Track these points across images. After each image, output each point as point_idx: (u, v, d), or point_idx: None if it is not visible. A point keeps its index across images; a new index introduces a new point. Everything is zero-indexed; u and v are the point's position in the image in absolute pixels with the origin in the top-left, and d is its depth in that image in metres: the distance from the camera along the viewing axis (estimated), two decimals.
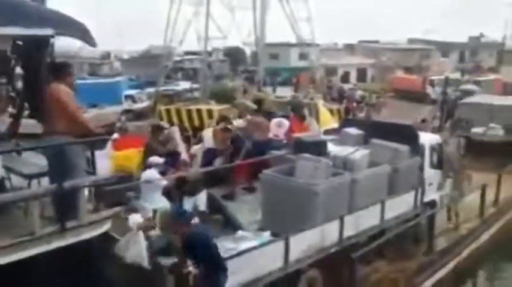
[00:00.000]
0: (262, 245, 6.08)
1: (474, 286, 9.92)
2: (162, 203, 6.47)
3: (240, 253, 5.64)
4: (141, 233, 5.39)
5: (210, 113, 16.97)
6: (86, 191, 4.60)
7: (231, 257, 5.42)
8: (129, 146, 8.68)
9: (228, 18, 23.68)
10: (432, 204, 9.40)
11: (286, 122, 10.57)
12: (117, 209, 4.74)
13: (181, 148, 9.13)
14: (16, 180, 4.97)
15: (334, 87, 31.55)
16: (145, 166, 7.40)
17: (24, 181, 4.82)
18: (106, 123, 21.42)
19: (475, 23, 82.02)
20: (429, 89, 32.10)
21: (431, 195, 9.30)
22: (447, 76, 28.95)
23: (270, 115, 11.45)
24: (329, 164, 7.17)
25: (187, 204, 6.74)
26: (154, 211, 6.20)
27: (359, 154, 7.66)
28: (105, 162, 7.39)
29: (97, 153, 7.80)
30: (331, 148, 8.03)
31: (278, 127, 10.17)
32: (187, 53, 34.35)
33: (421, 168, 8.86)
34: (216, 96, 22.36)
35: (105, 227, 4.53)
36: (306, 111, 13.23)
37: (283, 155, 8.24)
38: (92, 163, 4.78)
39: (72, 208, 4.46)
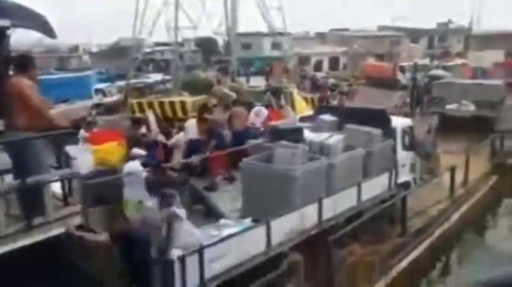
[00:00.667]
0: (244, 230, 6.25)
1: (448, 264, 10.21)
2: (144, 195, 6.49)
3: (223, 239, 5.82)
4: None
5: (183, 104, 16.76)
6: (55, 187, 4.47)
7: (216, 243, 5.61)
8: (107, 139, 8.57)
9: (199, 7, 23.37)
10: (406, 185, 9.76)
11: (264, 111, 10.71)
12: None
13: (160, 137, 9.04)
14: None
15: (307, 76, 31.71)
16: (128, 157, 7.47)
17: None
18: (76, 118, 20.99)
19: (443, 9, 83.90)
20: (400, 75, 32.71)
21: (404, 176, 9.67)
22: (416, 62, 29.56)
23: (249, 105, 11.50)
24: (306, 150, 7.44)
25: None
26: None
27: (334, 139, 7.97)
28: (86, 157, 7.47)
29: (76, 148, 7.85)
30: (307, 134, 8.25)
31: (256, 116, 10.32)
32: (158, 44, 33.79)
33: (394, 150, 9.21)
34: (189, 88, 22.11)
35: (74, 222, 4.41)
36: (282, 100, 13.43)
37: (261, 143, 8.44)
38: (58, 157, 4.64)
39: (38, 204, 4.31)
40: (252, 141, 8.81)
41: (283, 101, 13.29)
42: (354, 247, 7.94)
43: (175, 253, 5.26)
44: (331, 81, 30.23)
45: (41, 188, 4.21)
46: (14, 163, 4.45)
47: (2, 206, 4.10)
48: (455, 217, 10.82)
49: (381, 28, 53.35)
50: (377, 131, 8.68)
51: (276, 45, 41.63)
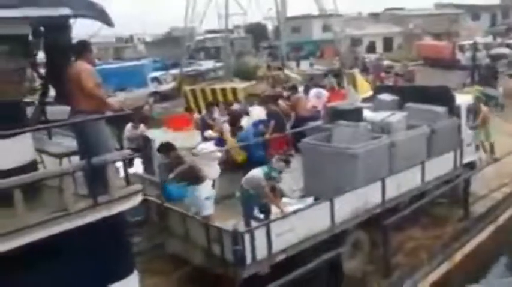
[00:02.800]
0: (309, 206, 6.35)
1: None
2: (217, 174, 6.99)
3: (290, 214, 5.98)
4: None
5: (234, 91, 16.87)
6: (117, 167, 4.65)
7: (282, 217, 5.85)
8: (182, 124, 9.02)
9: None
10: (472, 165, 9.39)
11: (324, 93, 10.93)
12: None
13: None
14: (50, 163, 5.09)
15: (358, 58, 30.84)
16: (202, 138, 8.09)
17: (57, 162, 4.94)
18: (136, 106, 21.79)
19: None
20: (459, 55, 30.92)
21: (470, 156, 9.28)
22: (476, 41, 27.81)
23: (307, 88, 11.57)
24: (368, 128, 7.32)
25: None
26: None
27: (396, 117, 7.77)
28: (165, 138, 7.90)
29: (155, 131, 8.36)
30: (367, 114, 8.07)
31: (317, 98, 10.48)
32: (209, 31, 34.19)
33: (459, 129, 8.83)
34: (239, 74, 22.24)
35: (136, 200, 4.58)
36: (344, 81, 13.43)
37: (319, 125, 8.40)
38: (119, 139, 4.82)
39: (103, 183, 4.52)
40: (312, 123, 8.84)
41: (345, 83, 13.34)
42: (414, 231, 7.73)
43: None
44: (386, 62, 29.18)
45: (104, 168, 4.40)
46: (79, 144, 4.68)
47: (71, 185, 4.31)
48: None
49: (439, 6, 50.57)
50: (441, 109, 8.37)
51: (326, 28, 40.83)
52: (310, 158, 7.19)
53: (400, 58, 32.57)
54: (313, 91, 10.93)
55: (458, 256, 7.78)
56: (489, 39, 35.83)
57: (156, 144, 7.53)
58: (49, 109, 5.56)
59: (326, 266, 5.46)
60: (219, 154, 7.52)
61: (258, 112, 9.14)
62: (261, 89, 15.41)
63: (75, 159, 4.83)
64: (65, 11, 4.53)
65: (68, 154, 4.87)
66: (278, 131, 8.68)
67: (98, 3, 4.95)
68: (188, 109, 16.89)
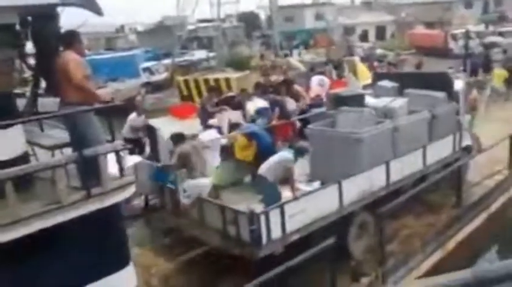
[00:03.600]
0: (319, 188, 6.57)
1: (505, 240, 9.75)
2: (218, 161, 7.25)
3: (301, 196, 6.22)
4: None
5: (227, 81, 16.80)
6: (109, 158, 4.61)
7: (295, 199, 6.10)
8: (186, 112, 9.35)
9: None
10: (468, 149, 9.57)
11: (326, 80, 10.98)
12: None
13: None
14: (42, 156, 5.04)
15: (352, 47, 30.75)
16: (204, 126, 8.21)
17: (49, 154, 4.89)
18: (128, 96, 21.64)
19: None
20: (452, 44, 30.96)
21: (467, 140, 9.51)
22: (468, 29, 27.86)
23: (307, 75, 11.61)
24: (372, 113, 7.51)
25: None
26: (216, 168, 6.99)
27: (398, 102, 7.96)
28: (170, 127, 8.14)
29: (159, 120, 8.81)
30: (369, 100, 8.27)
31: (320, 86, 10.51)
32: (201, 21, 33.84)
33: (458, 113, 9.07)
34: (232, 64, 22.13)
35: (129, 192, 4.55)
36: (345, 68, 13.52)
37: (323, 112, 8.57)
38: (111, 131, 4.76)
39: (96, 175, 4.48)
40: (315, 110, 8.98)
41: (346, 71, 13.47)
42: (408, 218, 7.79)
43: None
44: (379, 51, 29.16)
45: (97, 160, 4.35)
46: (71, 136, 4.63)
47: (63, 177, 4.27)
48: None
49: None
50: (441, 94, 8.57)
51: (319, 17, 40.67)
52: (316, 144, 7.23)
53: (393, 47, 32.59)
54: (316, 79, 10.94)
55: (451, 244, 7.86)
56: (481, 27, 35.87)
57: (161, 132, 7.86)
58: (40, 101, 5.49)
59: (333, 247, 5.62)
60: (223, 141, 7.65)
61: (257, 103, 9.13)
62: (254, 78, 15.36)
63: (68, 151, 4.79)
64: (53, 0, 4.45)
65: (60, 146, 4.82)
66: (283, 119, 8.73)
67: None
68: (184, 98, 16.82)
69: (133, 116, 10.29)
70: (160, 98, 21.49)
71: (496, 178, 10.14)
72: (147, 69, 25.00)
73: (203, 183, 6.68)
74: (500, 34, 31.34)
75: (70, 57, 4.51)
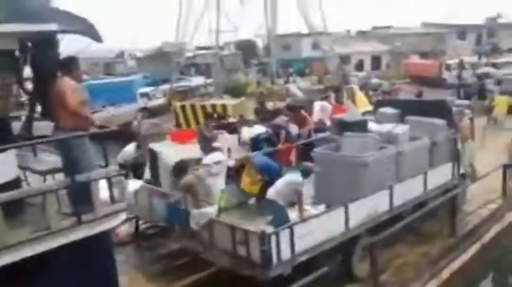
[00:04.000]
0: (326, 211, 6.71)
1: (500, 269, 9.67)
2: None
3: (309, 218, 6.40)
4: None
5: (224, 107, 16.91)
6: (101, 185, 4.60)
7: (305, 220, 6.27)
8: (187, 138, 9.44)
9: (239, 10, 23.61)
10: (464, 176, 9.73)
11: (328, 106, 11.22)
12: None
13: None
14: (34, 180, 5.03)
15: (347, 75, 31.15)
16: (204, 151, 8.20)
17: (41, 179, 4.89)
18: (124, 121, 21.71)
19: (492, 4, 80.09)
20: (446, 74, 31.46)
21: (462, 167, 9.67)
22: (461, 60, 28.41)
23: (310, 103, 11.83)
24: (376, 139, 7.72)
25: None
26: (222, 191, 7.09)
27: (400, 129, 8.24)
28: (171, 150, 8.47)
29: (160, 144, 8.98)
30: (371, 126, 8.53)
31: (322, 112, 10.79)
32: (200, 48, 34.34)
33: (456, 141, 9.30)
34: (230, 91, 22.33)
35: (120, 219, 4.54)
36: (344, 95, 13.74)
37: (327, 137, 8.79)
38: (105, 157, 4.78)
39: (88, 201, 4.47)
40: (320, 135, 9.20)
41: (345, 98, 13.70)
42: (401, 247, 7.74)
43: None
44: (375, 81, 29.55)
45: (89, 186, 4.35)
46: (63, 161, 4.64)
47: (54, 203, 4.26)
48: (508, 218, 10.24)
49: (425, 25, 51.55)
50: (441, 122, 8.85)
51: (315, 46, 41.33)
52: (321, 167, 7.36)
53: (388, 76, 33.05)
54: (318, 104, 11.18)
55: (445, 274, 7.78)
56: (475, 58, 36.56)
57: (163, 155, 7.96)
58: (35, 124, 5.53)
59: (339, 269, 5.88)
60: (231, 163, 7.81)
61: (256, 129, 9.35)
62: (251, 105, 15.53)
63: (60, 176, 4.79)
64: (52, 26, 4.53)
65: (52, 171, 4.83)
66: (287, 142, 8.87)
67: (86, 18, 4.96)
68: (178, 125, 16.88)
69: (132, 148, 10.25)
70: (157, 123, 21.58)
71: (490, 207, 10.15)
72: (145, 95, 25.20)
73: (210, 212, 6.74)
74: (494, 65, 31.94)
75: (67, 84, 4.58)
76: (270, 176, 7.30)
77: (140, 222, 8.96)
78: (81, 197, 4.37)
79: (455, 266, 8.11)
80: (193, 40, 24.56)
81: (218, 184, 7.40)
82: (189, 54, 30.71)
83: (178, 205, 7.07)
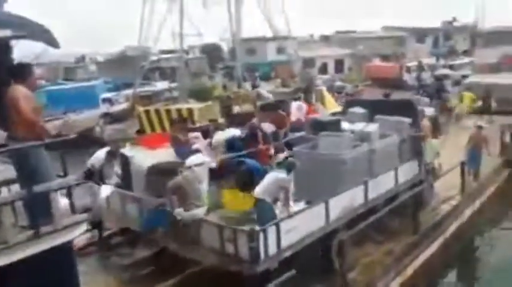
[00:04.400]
0: (307, 208, 6.96)
1: (463, 263, 10.02)
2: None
3: (295, 213, 6.68)
4: None
5: (190, 112, 16.73)
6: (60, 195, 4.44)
7: (289, 216, 6.56)
8: (158, 142, 9.36)
9: (203, 14, 23.50)
10: (429, 171, 10.24)
11: (304, 105, 11.61)
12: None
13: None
14: None
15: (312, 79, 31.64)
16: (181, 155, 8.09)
17: None
18: (86, 128, 21.10)
19: (447, 7, 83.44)
20: (406, 76, 32.47)
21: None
22: (420, 62, 29.46)
23: (282, 103, 12.02)
24: (351, 137, 8.20)
25: None
26: None
27: (372, 127, 8.72)
28: (143, 156, 8.44)
29: (132, 149, 8.88)
30: (344, 125, 8.98)
31: (299, 111, 11.24)
32: (164, 52, 33.91)
33: (421, 138, 9.81)
34: (195, 95, 22.16)
35: (82, 229, 4.38)
36: (313, 97, 14.17)
37: (303, 136, 9.18)
38: (64, 166, 4.62)
39: (46, 213, 4.30)
40: (298, 134, 9.51)
41: (314, 99, 14.18)
42: (368, 246, 7.88)
43: None
44: (338, 83, 30.10)
45: (47, 197, 4.18)
46: (18, 172, 4.44)
47: (10, 216, 4.07)
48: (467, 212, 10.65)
49: (386, 29, 53.08)
50: (407, 120, 9.32)
51: (280, 50, 41.75)
52: (301, 165, 7.50)
53: (351, 79, 33.77)
54: (295, 105, 11.52)
55: (409, 270, 7.99)
56: (433, 60, 37.93)
57: (135, 160, 7.98)
58: None
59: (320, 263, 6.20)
60: (213, 164, 7.88)
61: (229, 132, 9.39)
62: (217, 109, 15.50)
63: (16, 187, 4.58)
64: (6, 32, 4.36)
65: (6, 183, 4.60)
66: (265, 143, 9.02)
67: (41, 24, 4.79)
68: (142, 130, 16.58)
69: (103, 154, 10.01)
70: (120, 129, 21.09)
71: (451, 203, 10.53)
72: (107, 100, 24.57)
73: (198, 213, 6.76)
74: (451, 67, 33.26)
75: (20, 92, 4.39)
76: (259, 178, 7.26)
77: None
78: (39, 209, 4.19)
79: (419, 263, 8.35)
80: (157, 44, 24.21)
81: (205, 185, 7.47)
82: (153, 58, 30.22)
83: (163, 208, 7.02)
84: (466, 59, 37.28)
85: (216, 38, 34.10)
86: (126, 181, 8.46)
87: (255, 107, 13.11)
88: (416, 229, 8.81)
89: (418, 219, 8.91)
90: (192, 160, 7.66)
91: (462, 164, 10.99)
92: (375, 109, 9.54)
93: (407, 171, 9.29)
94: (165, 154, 8.44)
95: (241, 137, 9.01)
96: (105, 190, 8.09)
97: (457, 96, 20.47)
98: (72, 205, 4.35)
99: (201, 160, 7.70)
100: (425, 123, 10.73)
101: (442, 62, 36.69)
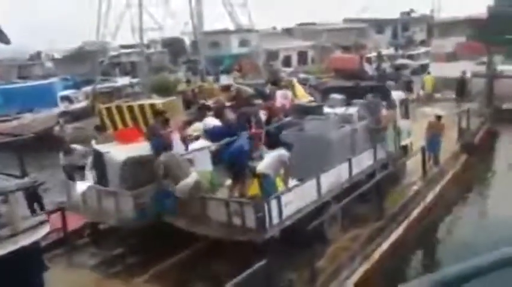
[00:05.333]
0: (304, 181, 7.64)
1: (428, 246, 10.37)
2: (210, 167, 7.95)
3: (292, 187, 7.41)
4: None
5: (153, 107, 16.39)
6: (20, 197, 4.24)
7: (289, 189, 7.33)
8: (132, 137, 9.43)
9: (163, 8, 23.08)
10: (405, 148, 11.31)
11: (289, 93, 12.21)
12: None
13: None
14: None
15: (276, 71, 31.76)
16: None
17: None
18: (44, 127, 20.31)
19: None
20: (366, 66, 33.15)
21: (404, 141, 11.30)
22: (380, 52, 30.20)
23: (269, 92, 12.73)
24: (335, 119, 9.07)
25: None
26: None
27: (352, 110, 9.68)
28: (118, 150, 8.52)
29: (106, 145, 8.92)
30: (325, 109, 9.79)
31: (284, 99, 11.91)
32: (124, 46, 33.08)
33: (395, 118, 10.75)
34: (158, 90, 21.76)
35: (44, 230, 4.21)
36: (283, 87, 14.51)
37: (290, 120, 9.86)
38: (22, 166, 4.42)
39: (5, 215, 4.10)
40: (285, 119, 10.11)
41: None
42: (335, 234, 8.02)
43: None
44: (301, 75, 30.33)
45: (4, 198, 3.99)
46: None
47: None
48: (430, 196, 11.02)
49: (346, 21, 53.93)
50: (382, 103, 10.24)
51: (243, 42, 41.63)
52: (292, 147, 8.10)
53: (314, 71, 34.13)
54: (279, 93, 12.18)
55: (376, 255, 8.19)
56: (392, 51, 38.90)
57: (111, 155, 8.12)
58: None
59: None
60: (212, 148, 8.32)
61: (210, 121, 9.70)
62: (179, 105, 15.28)
63: None
64: None
65: None
66: (257, 128, 9.29)
67: None
68: (102, 129, 16.14)
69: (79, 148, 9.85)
70: (81, 128, 20.47)
71: (413, 189, 10.87)
72: (66, 98, 23.75)
73: (188, 181, 7.32)
74: (409, 57, 34.24)
75: None
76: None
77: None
78: None
79: (385, 247, 8.57)
80: (116, 39, 23.60)
81: (201, 162, 7.91)
82: (113, 53, 29.42)
83: (167, 189, 7.46)
84: (423, 49, 38.49)
85: (177, 32, 33.59)
86: (100, 177, 8.54)
87: (230, 100, 13.09)
88: (381, 215, 9.04)
89: (382, 205, 9.16)
90: (194, 146, 8.27)
91: (423, 149, 11.35)
92: (351, 94, 10.44)
93: (384, 149, 10.23)
94: (139, 148, 8.57)
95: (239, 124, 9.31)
96: (81, 186, 8.13)
97: (420, 81, 21.61)
98: (31, 206, 4.17)
99: (203, 145, 8.29)
100: (387, 112, 11.02)
101: (400, 52, 37.69)
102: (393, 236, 8.94)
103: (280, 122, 9.90)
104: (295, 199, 7.30)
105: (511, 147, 16.50)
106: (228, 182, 7.96)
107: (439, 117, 12.50)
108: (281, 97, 11.87)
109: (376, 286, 7.90)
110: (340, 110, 9.64)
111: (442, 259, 9.61)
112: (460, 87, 20.61)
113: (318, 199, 7.78)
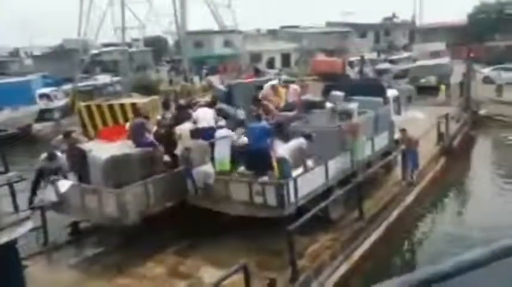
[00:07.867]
0: (315, 166, 8.60)
1: (406, 247, 10.57)
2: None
3: (306, 171, 8.37)
4: None
5: (134, 107, 16.23)
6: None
7: (304, 173, 8.28)
8: (116, 135, 9.55)
9: (146, 7, 22.92)
10: (397, 142, 11.96)
11: (298, 89, 12.46)
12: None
13: None
14: None
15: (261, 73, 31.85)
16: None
17: None
18: (22, 125, 19.93)
19: (388, 4, 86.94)
20: (349, 70, 33.56)
21: (396, 135, 11.99)
22: (362, 56, 30.64)
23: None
24: (338, 113, 10.22)
25: None
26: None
27: (353, 105, 10.60)
28: (102, 148, 8.65)
29: (90, 144, 9.20)
30: (327, 105, 10.71)
31: (294, 94, 12.26)
32: (106, 45, 32.68)
33: (390, 114, 11.78)
34: (140, 89, 21.60)
35: (27, 227, 4.16)
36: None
37: (295, 115, 10.49)
38: (4, 162, 4.36)
39: None
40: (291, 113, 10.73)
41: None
42: (316, 234, 8.11)
43: None
44: (284, 77, 30.49)
45: None
46: None
47: None
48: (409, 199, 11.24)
49: (329, 24, 54.48)
50: (379, 99, 11.33)
51: (227, 43, 41.63)
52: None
53: (297, 73, 34.36)
54: (292, 88, 12.37)
55: (355, 256, 8.31)
56: (374, 55, 39.49)
57: (95, 153, 8.23)
58: None
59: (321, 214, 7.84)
60: (234, 137, 8.95)
61: (203, 115, 9.79)
62: (157, 104, 15.21)
63: None
64: None
65: None
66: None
67: None
68: (83, 127, 15.92)
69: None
70: (60, 126, 20.16)
71: (393, 191, 11.06)
72: (45, 96, 23.34)
73: (207, 169, 8.22)
74: (391, 61, 34.83)
75: None
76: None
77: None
78: None
79: (365, 248, 8.71)
80: (98, 37, 23.34)
81: (222, 150, 8.64)
82: (94, 51, 29.02)
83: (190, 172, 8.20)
84: (405, 54, 39.19)
85: (160, 31, 33.40)
86: (83, 175, 8.58)
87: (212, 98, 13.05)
88: (360, 216, 9.18)
89: (362, 206, 9.30)
90: (220, 133, 8.94)
91: (403, 152, 11.54)
92: (350, 91, 11.28)
93: (381, 141, 11.19)
94: (124, 146, 8.73)
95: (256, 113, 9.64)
96: (64, 185, 8.14)
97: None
98: (15, 202, 4.12)
99: (227, 133, 8.95)
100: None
101: (382, 56, 38.30)
102: (373, 237, 9.09)
103: (288, 114, 10.57)
104: (307, 182, 8.22)
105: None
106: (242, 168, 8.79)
107: (403, 131, 11.51)
108: (293, 93, 12.29)
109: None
110: (342, 105, 10.60)
111: (420, 259, 9.80)
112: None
113: (325, 182, 8.77)
